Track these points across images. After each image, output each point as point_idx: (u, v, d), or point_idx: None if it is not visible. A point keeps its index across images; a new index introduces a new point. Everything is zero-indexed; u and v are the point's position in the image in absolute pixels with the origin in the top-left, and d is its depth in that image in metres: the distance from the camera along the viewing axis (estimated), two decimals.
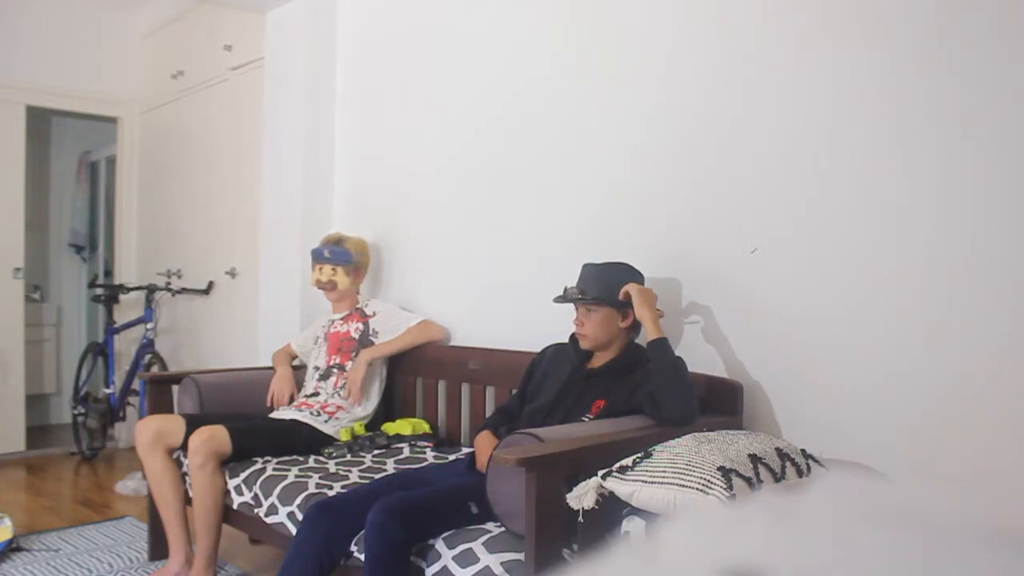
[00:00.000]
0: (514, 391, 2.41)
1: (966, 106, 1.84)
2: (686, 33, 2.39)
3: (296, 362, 3.19)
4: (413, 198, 3.29)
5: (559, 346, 2.34)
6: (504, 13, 2.95)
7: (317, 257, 3.09)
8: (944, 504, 0.32)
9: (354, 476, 2.41)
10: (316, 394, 2.95)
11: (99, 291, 4.70)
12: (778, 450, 1.74)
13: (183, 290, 4.31)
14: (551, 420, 2.12)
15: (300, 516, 2.19)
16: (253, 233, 3.89)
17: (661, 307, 2.19)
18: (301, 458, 2.61)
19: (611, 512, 1.71)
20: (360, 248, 3.16)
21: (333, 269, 3.07)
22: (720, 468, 1.58)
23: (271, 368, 3.12)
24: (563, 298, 2.23)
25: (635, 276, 2.20)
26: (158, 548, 2.87)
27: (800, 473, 1.73)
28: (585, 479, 1.68)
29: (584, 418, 2.11)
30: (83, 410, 4.62)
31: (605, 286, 2.16)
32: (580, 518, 1.66)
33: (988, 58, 1.81)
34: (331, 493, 2.24)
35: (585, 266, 2.23)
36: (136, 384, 4.40)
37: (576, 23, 2.70)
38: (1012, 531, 0.29)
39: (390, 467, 2.52)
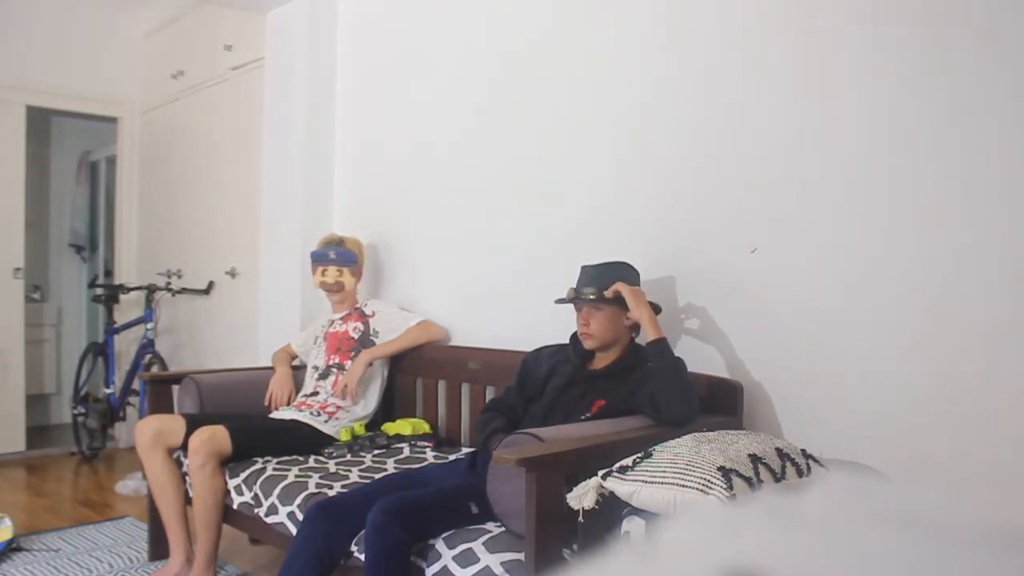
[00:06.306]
0: (509, 385, 2.38)
1: (959, 107, 1.84)
2: (682, 33, 2.39)
3: (296, 362, 3.19)
4: (413, 198, 3.29)
5: (557, 347, 2.34)
6: (504, 17, 2.95)
7: (321, 259, 3.08)
8: (944, 504, 0.32)
9: (354, 476, 2.41)
10: (315, 393, 2.95)
11: (99, 291, 4.70)
12: (778, 450, 1.74)
13: (183, 290, 4.30)
14: (552, 421, 2.12)
15: (300, 516, 2.19)
16: (253, 233, 3.89)
17: (662, 304, 2.19)
18: (301, 458, 2.61)
19: (611, 512, 1.71)
20: (359, 248, 3.17)
21: (339, 271, 3.07)
22: (720, 468, 1.58)
23: (271, 368, 3.12)
24: (565, 299, 2.22)
25: (633, 274, 2.20)
26: (158, 548, 2.87)
27: (800, 473, 1.73)
28: (585, 479, 1.68)
29: (582, 417, 2.10)
30: (83, 410, 4.63)
31: (607, 285, 2.16)
32: (580, 518, 1.66)
33: (981, 58, 1.81)
34: (331, 493, 2.24)
35: (584, 267, 2.23)
36: (136, 384, 4.41)
37: (575, 25, 2.70)
38: (1012, 530, 0.29)
39: (390, 467, 2.52)
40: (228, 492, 2.54)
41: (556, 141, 2.74)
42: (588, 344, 2.18)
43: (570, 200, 2.69)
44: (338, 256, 3.07)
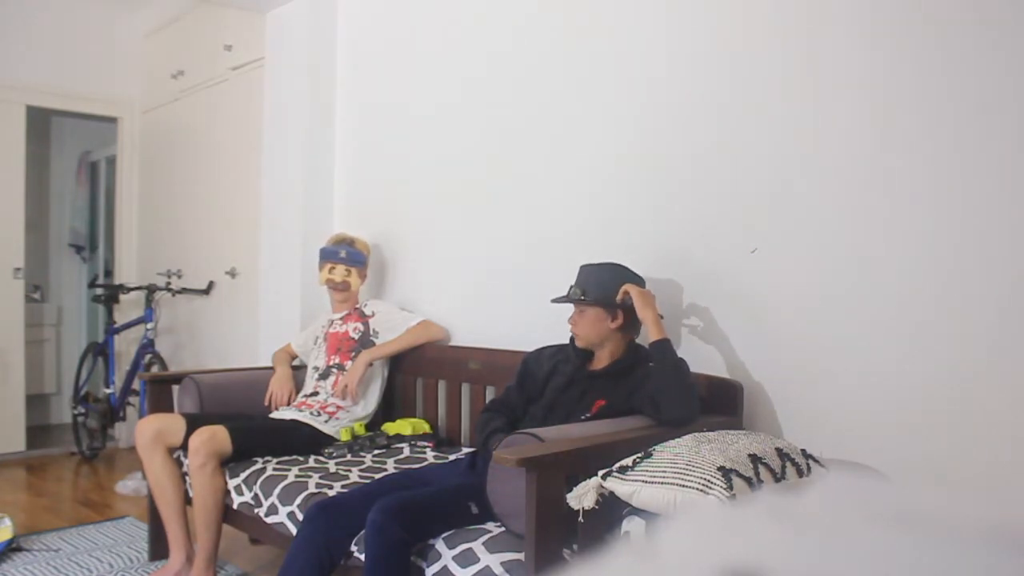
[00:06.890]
0: (509, 385, 2.38)
1: (958, 107, 1.84)
2: (682, 32, 2.39)
3: (296, 362, 3.19)
4: (413, 199, 3.29)
5: (558, 347, 2.34)
6: (502, 19, 2.95)
7: (330, 256, 3.09)
8: (944, 504, 0.32)
9: (354, 476, 2.41)
10: (316, 394, 2.95)
11: (99, 291, 4.70)
12: (778, 450, 1.74)
13: (183, 290, 4.30)
14: (552, 420, 2.12)
15: (300, 516, 2.19)
16: (253, 233, 3.89)
17: (662, 309, 2.19)
18: (301, 458, 2.61)
19: (611, 512, 1.71)
20: (368, 250, 3.18)
21: (347, 270, 3.07)
22: (720, 468, 1.58)
23: (271, 368, 3.12)
24: (558, 299, 2.25)
25: (630, 277, 2.21)
26: (158, 548, 2.87)
27: (800, 473, 1.73)
28: (585, 479, 1.68)
29: (583, 417, 2.11)
30: (83, 410, 4.63)
31: (600, 286, 2.17)
32: (580, 518, 1.66)
33: (981, 58, 1.81)
34: (331, 493, 2.24)
35: (582, 267, 2.24)
36: (136, 384, 4.40)
37: (573, 22, 2.70)
38: (1012, 530, 0.29)
39: (390, 467, 2.52)
40: (228, 492, 2.54)
41: (556, 141, 2.74)
42: (578, 342, 2.22)
43: (570, 201, 2.69)
44: (348, 256, 3.07)
